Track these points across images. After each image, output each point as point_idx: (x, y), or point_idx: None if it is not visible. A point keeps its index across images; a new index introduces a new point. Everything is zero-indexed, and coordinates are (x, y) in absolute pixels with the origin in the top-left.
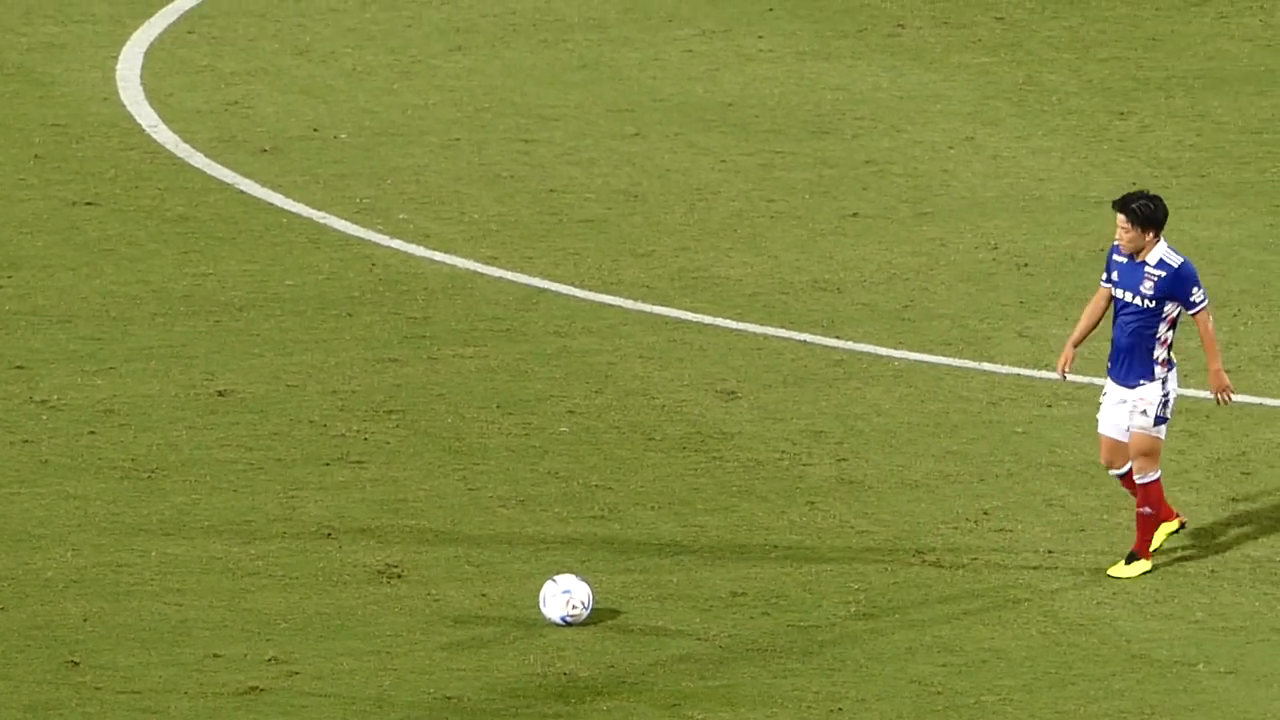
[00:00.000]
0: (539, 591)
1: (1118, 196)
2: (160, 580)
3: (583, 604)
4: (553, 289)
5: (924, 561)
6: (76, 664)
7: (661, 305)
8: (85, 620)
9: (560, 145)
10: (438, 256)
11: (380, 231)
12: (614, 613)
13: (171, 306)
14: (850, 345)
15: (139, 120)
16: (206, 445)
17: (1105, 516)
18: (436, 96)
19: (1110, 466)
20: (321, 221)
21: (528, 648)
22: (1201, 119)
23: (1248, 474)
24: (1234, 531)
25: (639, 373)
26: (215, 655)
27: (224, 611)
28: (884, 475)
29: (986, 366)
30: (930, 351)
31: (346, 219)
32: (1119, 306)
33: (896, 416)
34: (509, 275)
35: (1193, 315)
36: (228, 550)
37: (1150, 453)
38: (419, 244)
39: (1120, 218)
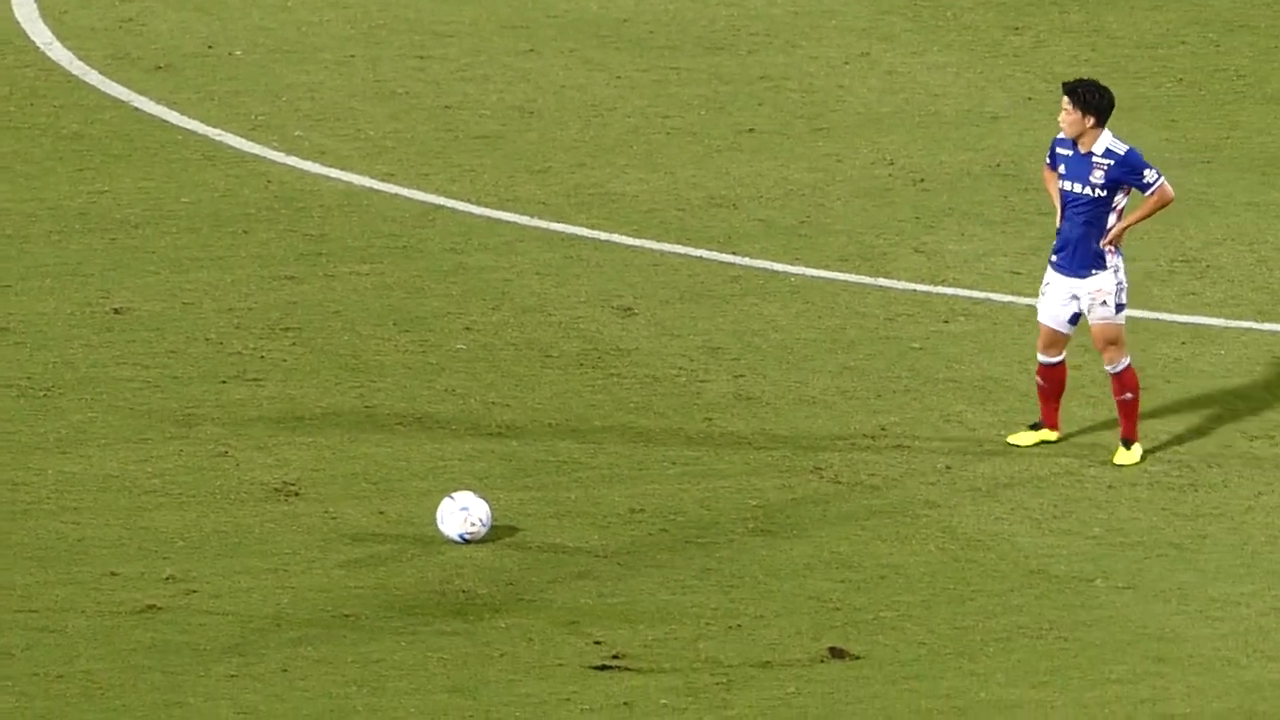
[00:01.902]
0: (437, 509)
1: (1069, 80)
2: (57, 499)
3: (481, 521)
4: (449, 205)
5: (822, 477)
6: None
7: (558, 222)
8: None
9: (455, 62)
10: (333, 173)
11: (275, 148)
12: (512, 530)
13: (67, 224)
14: (747, 261)
15: (33, 38)
16: (103, 363)
17: (1002, 432)
18: (330, 13)
19: (1046, 353)
20: (216, 139)
21: (426, 565)
22: (1096, 34)
23: (1144, 389)
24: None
25: (536, 289)
26: (112, 574)
27: (121, 530)
28: (781, 391)
29: (883, 282)
30: (827, 267)
31: (241, 136)
32: (1067, 198)
33: (793, 333)
34: (405, 192)
35: (1151, 193)
36: (124, 468)
37: (1117, 341)
38: (314, 161)
39: (1065, 99)
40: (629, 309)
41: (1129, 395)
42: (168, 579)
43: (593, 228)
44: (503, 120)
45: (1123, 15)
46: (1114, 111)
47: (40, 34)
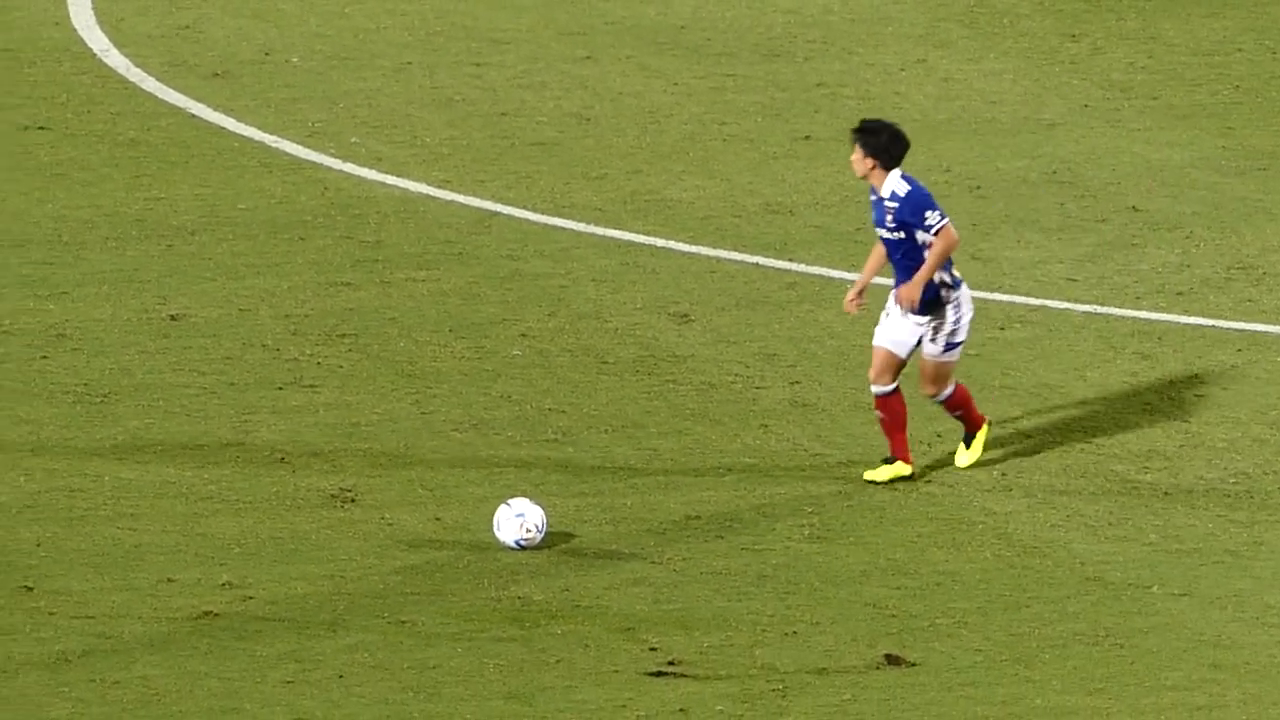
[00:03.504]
0: (493, 515)
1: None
2: (114, 505)
3: (536, 527)
4: (505, 212)
5: (877, 485)
6: (30, 589)
7: (614, 228)
8: (39, 545)
9: (512, 69)
10: (390, 180)
11: (332, 155)
12: (568, 536)
13: (124, 231)
14: (803, 268)
15: (90, 45)
16: (159, 370)
17: (1059, 439)
18: (388, 20)
19: (876, 380)
20: (273, 145)
21: (482, 572)
22: (1153, 41)
23: (1201, 396)
24: (1187, 454)
25: (592, 296)
26: (169, 580)
27: (178, 536)
28: (837, 398)
29: None
30: (884, 274)
31: (298, 143)
32: (885, 244)
33: (849, 339)
34: (461, 199)
35: (934, 236)
36: (181, 475)
37: (945, 377)
38: (371, 167)
39: (854, 143)
40: (685, 316)
41: (960, 412)
42: (224, 585)
43: (649, 234)
44: (559, 127)
45: (1179, 22)
46: (1171, 120)
47: (97, 41)
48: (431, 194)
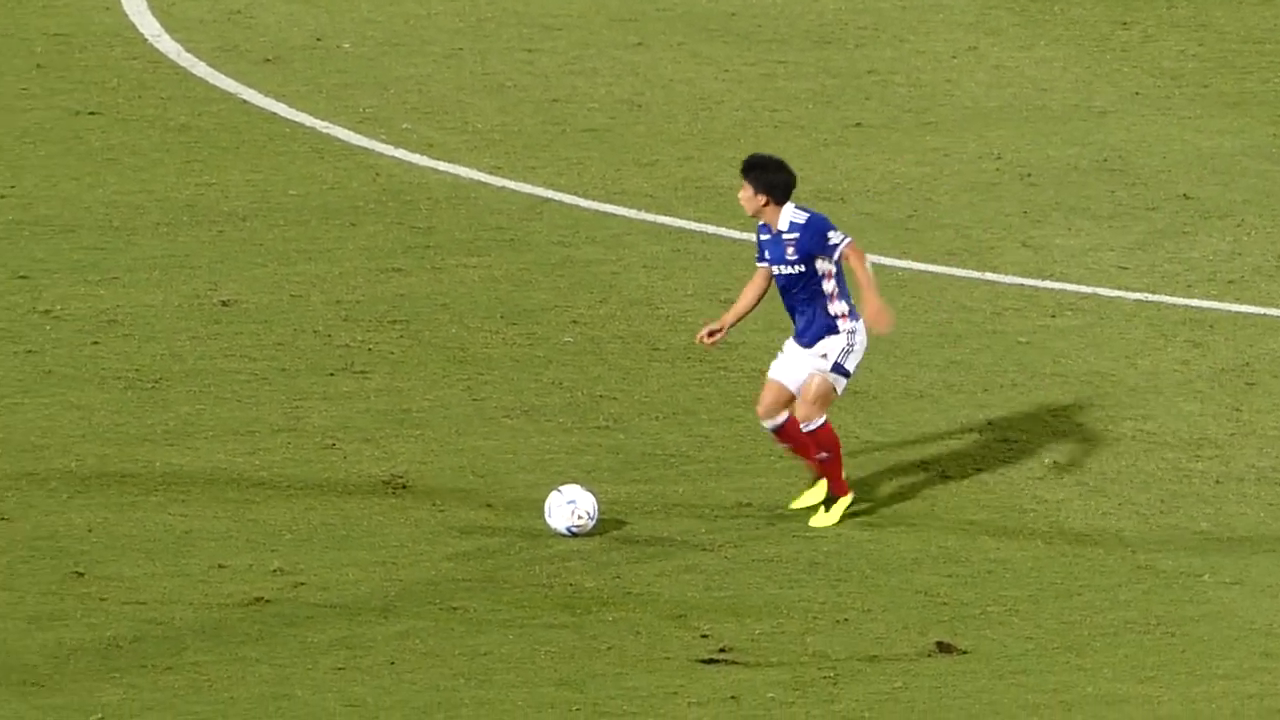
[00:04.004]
0: (544, 502)
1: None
2: (165, 491)
3: (588, 514)
4: (556, 199)
5: (928, 472)
6: (81, 574)
7: (665, 215)
8: (90, 531)
9: (563, 55)
10: (441, 166)
11: (384, 141)
12: (619, 523)
13: (175, 216)
14: None
15: (141, 30)
16: (210, 355)
17: (1110, 427)
18: (439, 6)
19: (767, 415)
20: (325, 131)
21: (533, 558)
22: (1204, 28)
23: (1252, 384)
24: (1239, 442)
25: (643, 282)
26: (220, 566)
27: (229, 522)
28: (888, 385)
29: (990, 276)
30: (934, 261)
31: (350, 129)
32: (779, 282)
33: (900, 327)
34: (512, 185)
35: (841, 256)
36: (232, 461)
37: (820, 399)
38: (422, 153)
39: (743, 181)
40: (736, 303)
41: (826, 455)
42: (275, 571)
43: (700, 221)
44: (611, 113)
45: (1230, 9)
46: (1222, 107)
47: (149, 26)
48: (483, 180)
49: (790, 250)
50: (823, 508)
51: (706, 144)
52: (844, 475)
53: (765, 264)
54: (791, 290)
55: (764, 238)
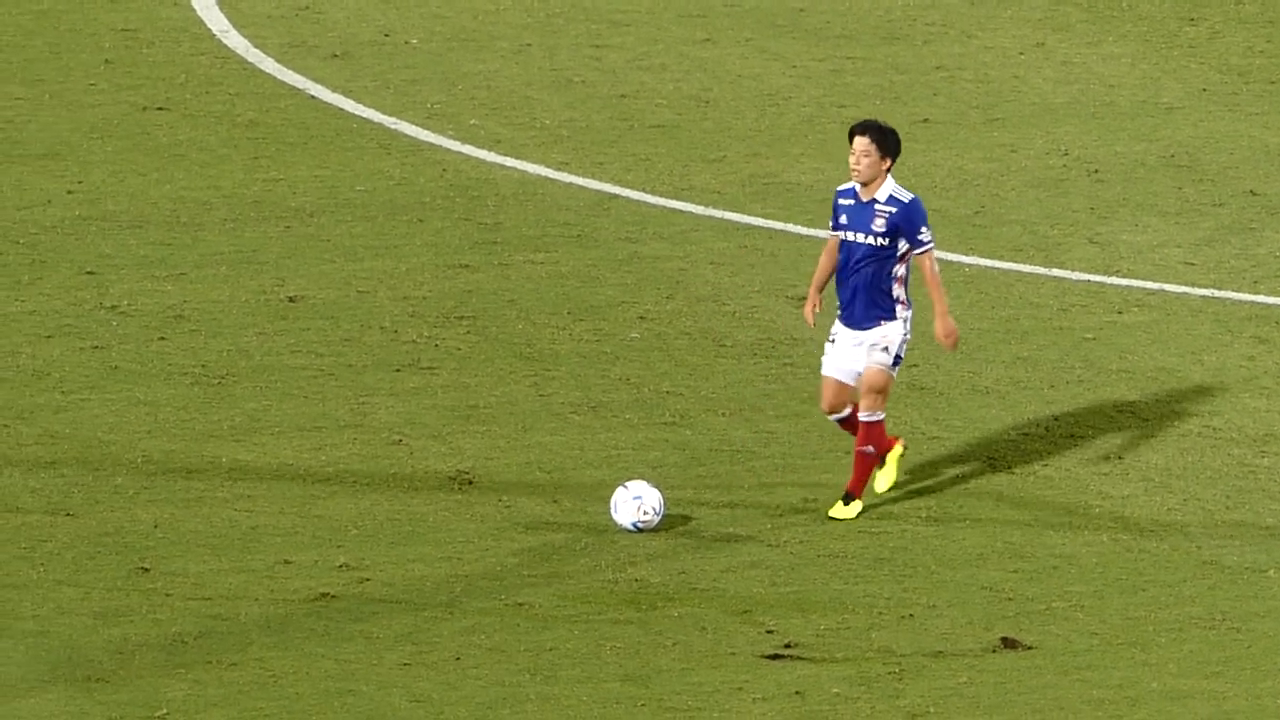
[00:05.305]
0: (610, 498)
1: (860, 122)
2: (231, 486)
3: (654, 510)
4: (624, 195)
5: (994, 467)
6: (147, 570)
7: (732, 211)
8: (156, 526)
9: (631, 50)
10: (509, 162)
11: (451, 137)
12: (685, 519)
13: (242, 212)
14: None
15: (209, 25)
16: (277, 351)
17: (1176, 423)
18: (507, 1)
19: (832, 411)
20: (392, 127)
21: (599, 554)
22: (1272, 25)
23: None
24: None
25: (710, 279)
26: (286, 561)
27: (295, 518)
28: (955, 381)
29: (1057, 273)
30: (1001, 258)
31: (417, 124)
32: (850, 251)
33: (967, 323)
34: (580, 181)
35: (918, 255)
36: (298, 457)
37: (882, 390)
38: (490, 149)
39: (863, 141)
40: (804, 298)
41: (870, 449)
42: (341, 567)
43: (767, 217)
44: (678, 109)
45: None
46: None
47: (216, 21)
48: (550, 176)
49: (880, 221)
50: (841, 500)
51: (774, 140)
52: (868, 479)
53: (841, 231)
54: (861, 263)
55: (846, 203)
